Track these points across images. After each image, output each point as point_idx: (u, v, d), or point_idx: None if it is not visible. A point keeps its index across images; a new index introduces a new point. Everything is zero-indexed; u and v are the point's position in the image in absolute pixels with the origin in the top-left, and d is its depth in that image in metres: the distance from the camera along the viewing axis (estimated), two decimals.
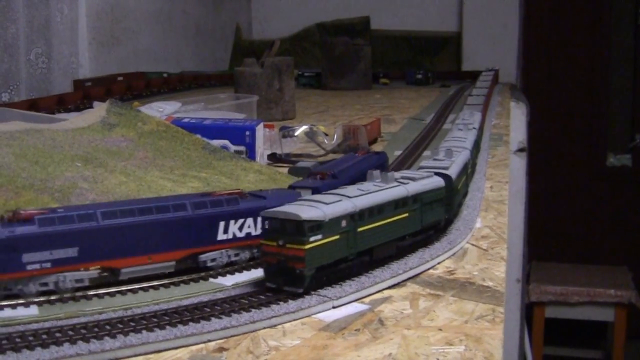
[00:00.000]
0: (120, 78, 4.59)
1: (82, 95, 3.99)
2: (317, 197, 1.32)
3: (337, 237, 1.27)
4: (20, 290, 1.23)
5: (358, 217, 1.31)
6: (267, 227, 1.25)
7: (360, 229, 1.32)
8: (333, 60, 5.38)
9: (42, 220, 1.24)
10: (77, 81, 4.27)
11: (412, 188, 1.47)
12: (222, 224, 1.42)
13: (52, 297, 1.23)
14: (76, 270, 1.27)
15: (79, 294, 1.25)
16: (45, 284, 1.24)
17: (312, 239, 1.22)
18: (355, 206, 1.31)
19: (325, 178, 1.71)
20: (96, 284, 1.29)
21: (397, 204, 1.41)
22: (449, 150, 1.82)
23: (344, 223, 1.28)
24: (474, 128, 2.30)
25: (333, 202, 1.28)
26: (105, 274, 1.30)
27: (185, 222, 1.38)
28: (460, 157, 1.82)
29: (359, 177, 1.67)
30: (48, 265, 1.24)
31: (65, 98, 3.81)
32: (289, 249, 1.22)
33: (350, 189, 1.38)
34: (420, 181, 1.52)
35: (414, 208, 1.47)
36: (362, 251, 1.34)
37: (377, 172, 1.48)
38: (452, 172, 1.65)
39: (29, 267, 1.22)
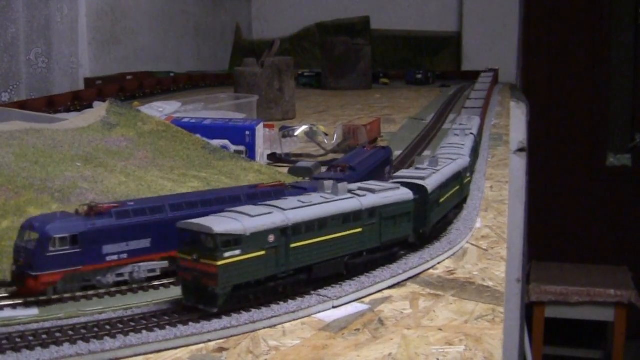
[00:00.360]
0: (129, 77, 4.73)
1: (95, 93, 4.09)
2: (245, 208, 1.20)
3: (262, 253, 1.16)
4: (98, 282, 1.27)
5: (291, 231, 1.20)
6: (182, 239, 1.15)
7: (294, 245, 1.21)
8: (333, 60, 5.38)
9: (119, 213, 1.30)
10: (89, 79, 4.42)
11: (368, 201, 1.35)
12: None
13: (53, 297, 1.23)
14: (150, 261, 1.32)
15: (79, 294, 1.25)
16: (121, 275, 1.30)
17: (227, 254, 1.12)
18: (287, 220, 1.19)
19: (345, 170, 1.76)
20: (164, 273, 1.34)
21: (347, 218, 1.30)
22: (435, 159, 1.70)
23: (271, 238, 1.17)
24: (472, 134, 2.20)
25: (260, 215, 1.17)
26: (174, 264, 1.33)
27: None
28: (448, 167, 1.69)
29: (373, 170, 1.81)
30: (125, 256, 1.30)
31: (80, 95, 3.92)
32: (203, 264, 1.12)
33: (290, 201, 1.26)
34: (381, 193, 1.39)
35: (371, 223, 1.35)
36: (300, 268, 1.23)
37: (328, 183, 1.35)
38: (430, 183, 1.52)
39: (108, 259, 1.28)
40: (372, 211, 1.35)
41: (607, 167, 7.35)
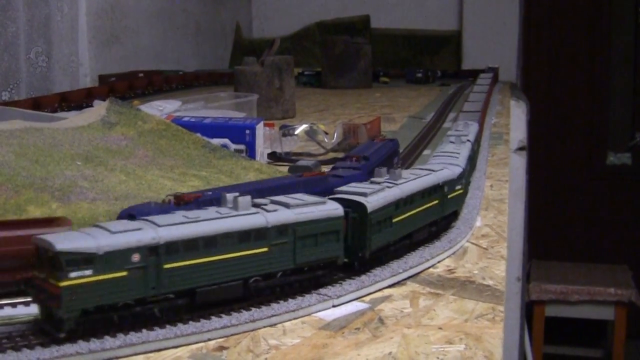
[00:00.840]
0: (141, 75, 4.83)
1: (107, 90, 4.16)
2: (110, 224, 1.08)
3: (122, 273, 1.03)
4: None
5: (164, 250, 1.06)
6: (38, 255, 1.04)
7: (168, 266, 1.07)
8: (333, 58, 5.38)
9: (203, 202, 1.30)
10: (102, 76, 4.56)
11: (277, 217, 1.19)
12: None
13: None
14: None
15: None
16: None
17: (73, 274, 0.99)
18: (158, 237, 1.05)
19: (359, 160, 1.77)
20: None
21: (246, 236, 1.14)
22: (395, 173, 1.49)
23: (135, 257, 1.04)
24: (469, 141, 2.04)
25: (122, 231, 1.04)
26: None
27: None
28: (413, 182, 1.49)
29: (383, 160, 1.81)
30: None
31: (93, 92, 3.98)
32: (49, 284, 1.01)
33: (173, 216, 1.12)
34: (298, 208, 1.22)
35: (280, 242, 1.19)
36: (180, 291, 1.10)
37: (230, 196, 1.21)
38: (372, 200, 1.33)
39: None
40: (282, 228, 1.19)
41: (607, 165, 7.35)
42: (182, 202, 1.29)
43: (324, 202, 1.27)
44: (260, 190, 1.43)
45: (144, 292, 1.06)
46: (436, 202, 1.56)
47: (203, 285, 1.11)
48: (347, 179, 1.59)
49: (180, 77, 5.19)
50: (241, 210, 1.17)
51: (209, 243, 1.11)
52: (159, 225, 1.07)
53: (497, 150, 2.70)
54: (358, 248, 1.33)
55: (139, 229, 1.05)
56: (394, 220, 1.40)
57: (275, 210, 1.20)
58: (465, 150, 1.90)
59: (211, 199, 1.32)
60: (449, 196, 1.63)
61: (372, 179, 1.47)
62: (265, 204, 1.21)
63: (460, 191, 1.72)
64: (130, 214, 1.22)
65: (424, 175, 1.55)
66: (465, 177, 1.78)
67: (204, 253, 1.10)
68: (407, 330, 1.15)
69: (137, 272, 1.04)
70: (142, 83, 4.62)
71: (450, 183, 1.63)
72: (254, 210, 1.18)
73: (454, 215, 1.69)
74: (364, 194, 1.33)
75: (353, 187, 1.39)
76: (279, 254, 1.20)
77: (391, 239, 1.41)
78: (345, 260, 1.31)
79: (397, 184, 1.43)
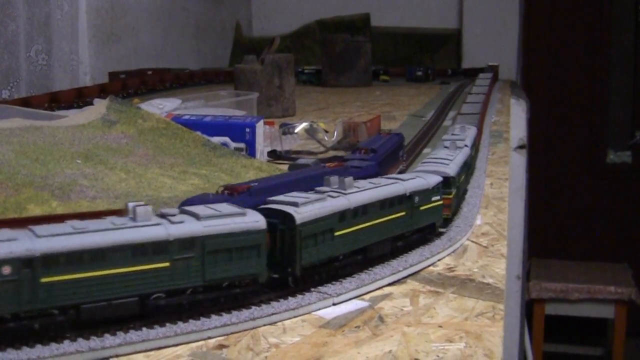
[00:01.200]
0: (149, 72, 4.95)
1: (119, 86, 4.29)
2: None
3: None
4: None
5: (41, 263, 0.97)
6: None
7: (46, 280, 0.98)
8: (333, 57, 5.38)
9: (257, 191, 1.33)
10: (112, 73, 4.66)
11: (181, 229, 1.08)
12: None
13: None
14: None
15: None
16: None
17: None
18: (34, 249, 0.96)
19: (368, 152, 1.79)
20: None
21: (142, 250, 1.04)
22: (346, 181, 1.34)
23: (6, 270, 0.95)
24: (466, 146, 1.92)
25: None
26: None
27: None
28: (369, 191, 1.35)
29: (390, 153, 1.88)
30: None
31: (105, 87, 4.10)
32: None
33: (63, 226, 1.03)
34: (209, 220, 1.11)
35: (185, 256, 1.08)
36: (63, 307, 1.00)
37: (131, 206, 1.09)
38: (303, 211, 1.21)
39: None
40: (187, 242, 1.08)
41: (607, 164, 7.36)
42: (235, 192, 1.31)
43: (243, 214, 1.14)
44: (295, 182, 1.47)
45: (17, 307, 0.97)
46: (402, 214, 1.43)
47: (89, 302, 1.02)
48: (364, 170, 1.64)
49: (188, 75, 5.29)
50: (140, 220, 1.06)
51: (96, 256, 1.01)
52: (37, 236, 0.98)
53: (497, 149, 2.70)
54: (287, 264, 1.21)
55: (14, 240, 0.96)
56: (337, 233, 1.27)
57: (180, 222, 1.09)
58: (460, 156, 1.79)
59: (259, 189, 1.35)
60: (421, 208, 1.48)
61: (317, 188, 1.34)
62: (173, 215, 1.10)
63: (439, 203, 1.55)
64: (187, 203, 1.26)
65: (386, 185, 1.41)
66: (456, 184, 1.67)
67: (90, 267, 1.01)
68: (407, 329, 1.15)
69: (9, 285, 0.96)
70: (152, 80, 4.72)
71: (423, 193, 1.48)
72: (155, 221, 1.08)
73: (431, 229, 1.55)
74: (295, 204, 1.21)
75: (287, 196, 1.27)
76: (184, 270, 1.09)
77: (333, 253, 1.27)
78: (276, 276, 1.21)
79: (344, 194, 1.30)
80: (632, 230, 7.10)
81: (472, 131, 2.18)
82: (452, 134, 2.10)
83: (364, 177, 1.48)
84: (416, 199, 1.45)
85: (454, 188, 1.64)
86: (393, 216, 1.40)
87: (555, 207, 7.28)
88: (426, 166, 1.67)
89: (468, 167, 1.93)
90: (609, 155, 7.36)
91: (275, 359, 1.05)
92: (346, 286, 1.27)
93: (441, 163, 1.68)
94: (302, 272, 1.22)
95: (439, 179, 1.55)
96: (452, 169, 1.65)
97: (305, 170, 1.71)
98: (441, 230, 1.61)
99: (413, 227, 1.47)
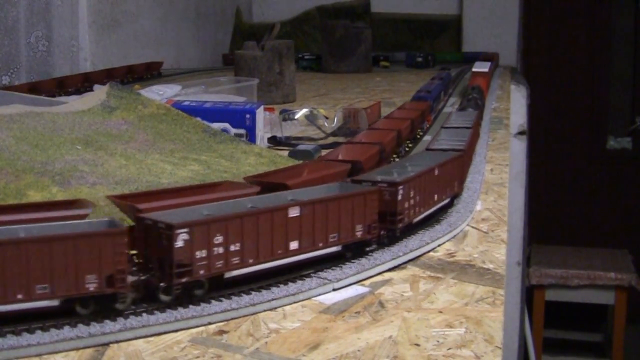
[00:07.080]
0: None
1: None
2: None
3: None
4: None
5: None
6: None
7: None
8: (333, 43, 5.37)
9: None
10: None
11: None
12: None
13: None
14: None
15: None
16: None
17: None
18: None
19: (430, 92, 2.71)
20: None
21: None
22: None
23: None
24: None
25: None
26: None
27: None
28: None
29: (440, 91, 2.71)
30: None
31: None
32: None
33: None
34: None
35: None
36: None
37: None
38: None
39: None
40: None
41: (607, 150, 7.35)
42: None
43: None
44: None
45: None
46: None
47: None
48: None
49: None
50: None
51: None
52: None
53: (497, 135, 2.70)
54: None
55: None
56: None
57: None
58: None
59: None
60: None
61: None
62: None
63: None
64: None
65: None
66: None
67: None
68: (407, 314, 1.15)
69: None
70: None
71: None
72: None
73: None
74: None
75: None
76: None
77: None
78: None
79: None
80: (632, 216, 7.10)
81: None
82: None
83: None
84: None
85: None
86: None
87: (555, 193, 7.27)
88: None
89: None
90: (609, 141, 7.35)
91: (275, 345, 1.05)
92: (346, 272, 1.27)
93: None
94: None
95: None
96: None
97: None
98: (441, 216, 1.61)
99: None
